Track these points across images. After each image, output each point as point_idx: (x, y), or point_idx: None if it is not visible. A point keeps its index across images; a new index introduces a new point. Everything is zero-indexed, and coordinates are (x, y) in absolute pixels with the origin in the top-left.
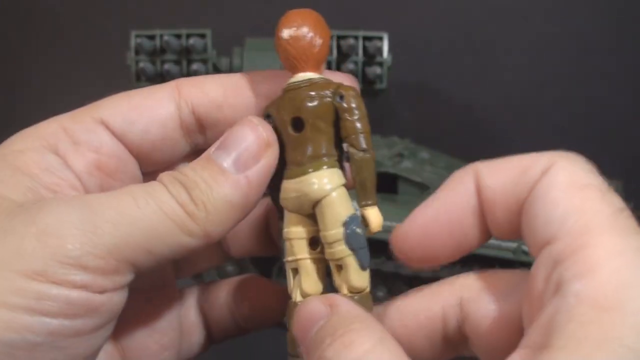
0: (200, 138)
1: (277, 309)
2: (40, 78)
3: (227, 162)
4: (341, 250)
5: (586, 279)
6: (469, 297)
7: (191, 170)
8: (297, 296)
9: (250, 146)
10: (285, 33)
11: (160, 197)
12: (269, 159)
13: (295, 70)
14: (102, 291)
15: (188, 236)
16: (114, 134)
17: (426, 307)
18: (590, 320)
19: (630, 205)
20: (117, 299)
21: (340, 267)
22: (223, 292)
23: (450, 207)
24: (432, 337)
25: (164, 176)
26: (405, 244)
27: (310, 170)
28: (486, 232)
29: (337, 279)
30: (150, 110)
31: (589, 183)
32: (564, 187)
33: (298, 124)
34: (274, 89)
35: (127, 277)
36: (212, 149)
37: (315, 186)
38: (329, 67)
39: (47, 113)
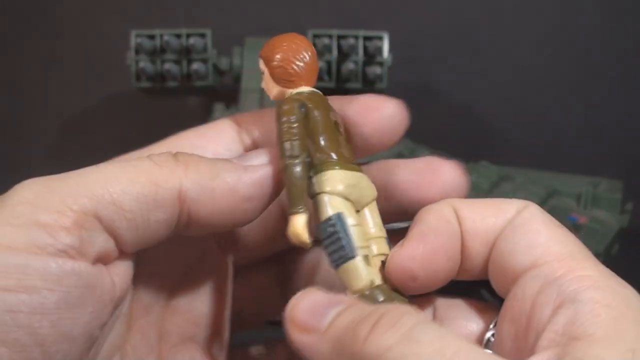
0: None
1: None
2: (40, 78)
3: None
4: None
5: (595, 289)
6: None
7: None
8: (377, 280)
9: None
10: (307, 54)
11: (134, 159)
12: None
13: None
14: (71, 256)
15: (155, 185)
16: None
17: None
18: (617, 315)
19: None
20: (97, 275)
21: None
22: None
23: (444, 235)
24: None
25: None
26: (405, 274)
27: (361, 171)
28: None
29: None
30: (215, 138)
31: (561, 225)
32: (544, 222)
33: (337, 125)
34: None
35: (95, 237)
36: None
37: (373, 187)
38: (329, 67)
39: (47, 113)
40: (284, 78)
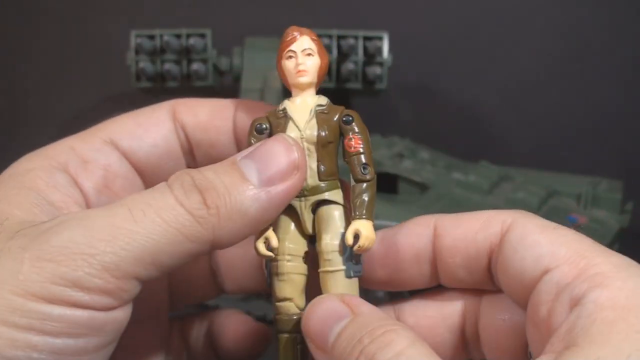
0: (189, 159)
1: (255, 345)
2: (40, 78)
3: (252, 173)
4: None
5: (601, 289)
6: (485, 302)
7: (212, 173)
8: None
9: (281, 165)
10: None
11: (162, 203)
12: (296, 181)
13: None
14: (105, 309)
15: (192, 242)
16: (122, 152)
17: (443, 309)
18: (614, 318)
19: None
20: (122, 316)
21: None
22: (205, 324)
23: (408, 243)
24: (445, 337)
25: (176, 178)
26: (371, 256)
27: None
28: (434, 278)
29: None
30: (155, 126)
31: (556, 226)
32: (539, 231)
33: None
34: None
35: (132, 291)
36: (239, 156)
37: None
38: (330, 67)
39: (48, 113)
40: (322, 80)
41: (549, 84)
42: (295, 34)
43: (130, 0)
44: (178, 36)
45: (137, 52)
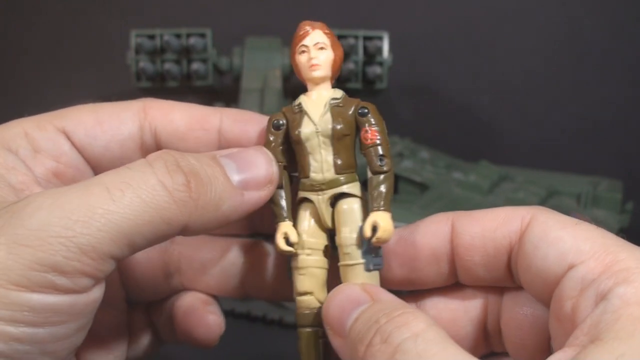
0: None
1: (207, 332)
2: (40, 78)
3: (232, 173)
4: None
5: (627, 285)
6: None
7: (194, 160)
8: None
9: (259, 174)
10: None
11: (142, 183)
12: (268, 193)
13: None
14: (84, 290)
15: (167, 224)
16: (74, 145)
17: (464, 303)
18: (639, 315)
19: (630, 205)
20: (98, 294)
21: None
22: (169, 307)
23: (426, 242)
24: (467, 330)
25: (159, 157)
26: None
27: None
28: (452, 276)
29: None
30: (114, 129)
31: (577, 221)
32: (560, 227)
33: None
34: (239, 132)
35: (107, 270)
36: (218, 154)
37: None
38: None
39: (47, 112)
40: (337, 73)
41: (548, 84)
42: (307, 28)
43: (130, 0)
44: (178, 36)
45: (137, 52)
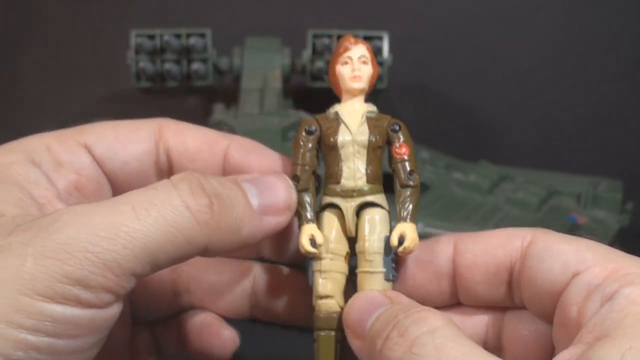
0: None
1: (221, 348)
2: (40, 78)
3: (253, 197)
4: None
5: (633, 286)
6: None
7: (217, 182)
8: None
9: (279, 200)
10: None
11: (167, 203)
12: (286, 219)
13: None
14: (105, 306)
15: (189, 244)
16: (95, 159)
17: (465, 320)
18: None
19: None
20: (117, 311)
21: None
22: (174, 325)
23: (428, 261)
24: None
25: (183, 178)
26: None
27: None
28: (453, 296)
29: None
30: (134, 144)
31: (577, 237)
32: (562, 241)
33: None
34: (240, 159)
35: (129, 287)
36: (240, 178)
37: None
38: (327, 66)
39: (47, 113)
40: (371, 89)
41: (548, 84)
42: (352, 41)
43: (130, 0)
44: (178, 36)
45: (137, 52)
